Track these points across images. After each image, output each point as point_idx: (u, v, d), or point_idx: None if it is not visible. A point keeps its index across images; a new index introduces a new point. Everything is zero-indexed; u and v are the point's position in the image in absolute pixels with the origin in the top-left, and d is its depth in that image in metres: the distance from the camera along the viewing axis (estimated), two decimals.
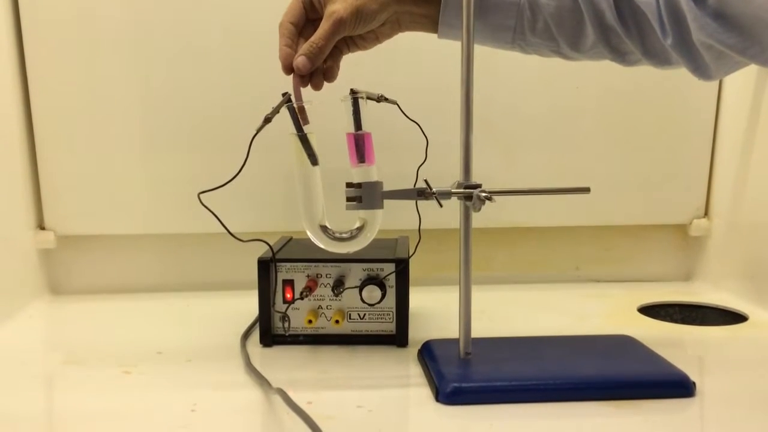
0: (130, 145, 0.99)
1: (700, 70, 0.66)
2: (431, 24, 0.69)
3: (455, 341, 0.68)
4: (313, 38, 0.66)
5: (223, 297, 0.98)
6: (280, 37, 0.69)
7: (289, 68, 0.68)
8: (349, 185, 0.67)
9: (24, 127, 0.96)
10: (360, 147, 0.68)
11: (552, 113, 1.03)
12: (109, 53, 0.96)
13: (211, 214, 0.64)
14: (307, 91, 0.70)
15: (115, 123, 0.98)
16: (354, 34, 0.68)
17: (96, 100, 0.97)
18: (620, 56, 0.70)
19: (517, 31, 0.69)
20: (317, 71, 0.71)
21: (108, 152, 0.98)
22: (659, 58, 0.68)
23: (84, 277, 1.02)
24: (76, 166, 0.98)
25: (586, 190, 0.67)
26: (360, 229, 0.69)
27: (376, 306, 0.76)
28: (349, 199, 0.66)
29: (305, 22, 0.70)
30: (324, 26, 0.66)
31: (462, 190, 0.65)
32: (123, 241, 1.02)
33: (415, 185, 0.67)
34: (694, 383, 0.63)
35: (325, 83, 0.72)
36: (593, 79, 1.01)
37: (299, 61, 0.66)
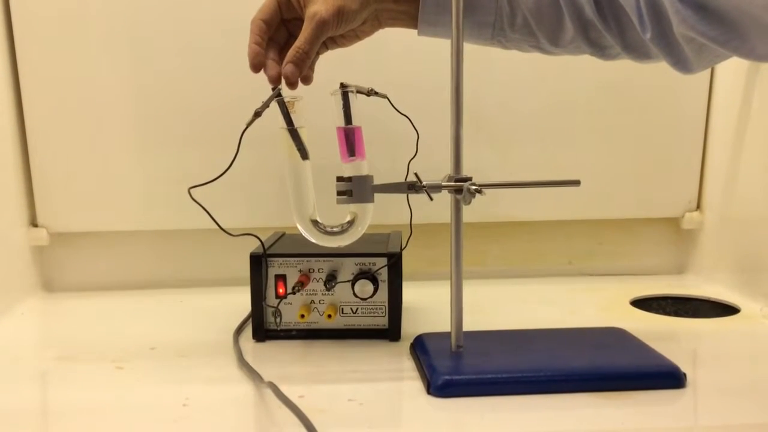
0: (122, 141, 0.98)
1: (681, 63, 0.66)
2: (411, 20, 0.69)
3: (447, 335, 0.68)
4: (297, 43, 0.66)
5: (216, 293, 0.98)
6: (250, 33, 0.68)
7: (256, 66, 0.67)
8: (339, 179, 0.67)
9: (16, 123, 0.96)
10: (350, 141, 0.68)
11: (544, 108, 1.03)
12: (101, 48, 0.96)
13: (202, 209, 0.64)
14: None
15: (107, 119, 0.97)
16: (336, 34, 0.68)
17: (88, 96, 0.97)
18: (600, 50, 0.70)
19: (496, 28, 0.68)
20: None
21: (100, 149, 0.98)
22: (639, 53, 0.68)
23: (77, 273, 1.02)
24: (68, 162, 0.98)
25: (576, 183, 0.67)
26: (351, 223, 0.70)
27: (368, 300, 0.76)
28: (339, 193, 0.66)
29: (279, 21, 0.69)
30: (307, 29, 0.66)
31: (452, 184, 0.65)
32: (116, 237, 1.02)
33: (405, 179, 0.67)
34: (684, 374, 0.64)
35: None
36: (585, 73, 1.01)
37: (287, 69, 0.66)
